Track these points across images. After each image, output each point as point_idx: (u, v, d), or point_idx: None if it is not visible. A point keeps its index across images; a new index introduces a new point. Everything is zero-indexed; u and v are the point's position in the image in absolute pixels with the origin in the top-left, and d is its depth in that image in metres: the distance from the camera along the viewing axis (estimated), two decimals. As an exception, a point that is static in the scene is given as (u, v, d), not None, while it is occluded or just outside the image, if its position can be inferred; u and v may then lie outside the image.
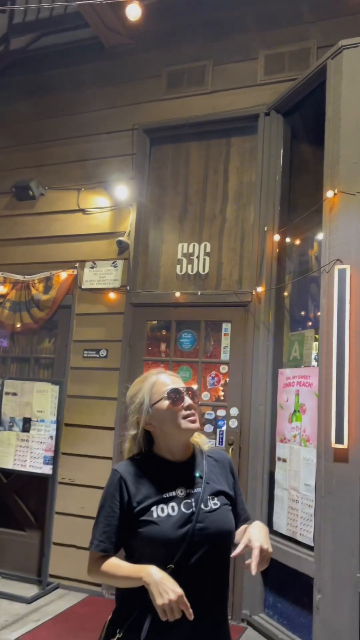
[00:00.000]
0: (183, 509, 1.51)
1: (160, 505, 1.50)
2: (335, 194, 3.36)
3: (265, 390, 3.91)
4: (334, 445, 3.08)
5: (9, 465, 4.36)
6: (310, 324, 3.97)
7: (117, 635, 1.47)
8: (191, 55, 4.60)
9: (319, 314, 3.51)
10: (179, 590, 1.35)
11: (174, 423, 1.57)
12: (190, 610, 1.35)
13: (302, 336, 3.80)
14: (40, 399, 4.35)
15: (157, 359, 4.39)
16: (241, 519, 1.65)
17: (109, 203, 4.70)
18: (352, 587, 2.97)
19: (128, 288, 4.48)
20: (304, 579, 3.27)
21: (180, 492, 1.54)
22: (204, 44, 4.58)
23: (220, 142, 4.53)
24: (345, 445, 3.06)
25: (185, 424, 1.57)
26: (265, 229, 4.08)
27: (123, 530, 1.52)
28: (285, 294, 4.13)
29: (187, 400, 1.59)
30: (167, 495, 1.53)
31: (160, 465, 1.59)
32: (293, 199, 4.19)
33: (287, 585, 3.56)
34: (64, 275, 4.72)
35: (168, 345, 4.37)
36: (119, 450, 4.27)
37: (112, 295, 4.52)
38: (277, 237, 4.00)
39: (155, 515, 1.49)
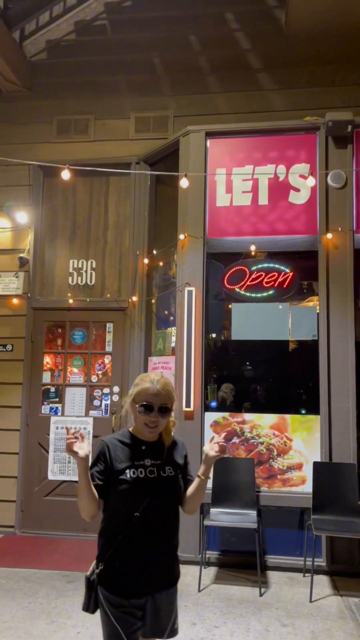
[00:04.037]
0: (148, 474, 2.03)
1: (132, 469, 2.02)
2: (185, 237, 4.84)
3: (138, 372, 5.30)
4: (184, 408, 4.64)
5: None
6: (172, 319, 5.42)
7: (100, 567, 2.00)
8: (77, 109, 5.76)
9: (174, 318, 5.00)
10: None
11: (139, 425, 2.08)
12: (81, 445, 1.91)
13: (165, 333, 5.29)
14: None
15: (55, 351, 5.61)
16: (187, 480, 2.16)
17: (9, 224, 5.73)
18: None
19: (29, 295, 5.60)
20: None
21: (147, 462, 2.05)
22: (87, 100, 5.76)
23: (102, 180, 5.77)
24: (191, 409, 4.63)
25: (144, 431, 2.07)
26: (138, 252, 5.46)
27: (105, 480, 2.01)
28: (153, 301, 5.56)
29: (154, 416, 2.02)
30: (138, 463, 2.04)
31: (135, 441, 2.11)
32: (158, 231, 5.61)
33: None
34: (-29, 283, 5.68)
35: (64, 340, 5.60)
36: (25, 423, 5.45)
37: (15, 301, 5.60)
38: (146, 261, 5.41)
39: (128, 476, 2.00)
